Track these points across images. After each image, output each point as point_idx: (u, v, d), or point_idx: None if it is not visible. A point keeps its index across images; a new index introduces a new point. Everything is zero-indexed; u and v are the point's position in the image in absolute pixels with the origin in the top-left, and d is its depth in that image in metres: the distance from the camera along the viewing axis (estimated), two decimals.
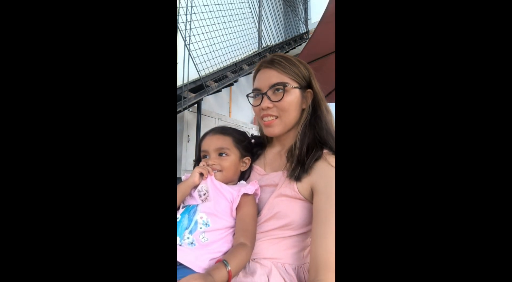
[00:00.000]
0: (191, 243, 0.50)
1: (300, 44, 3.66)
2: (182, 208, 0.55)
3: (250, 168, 0.64)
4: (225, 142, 0.59)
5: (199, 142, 0.63)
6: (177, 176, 2.34)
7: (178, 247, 0.49)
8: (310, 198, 0.53)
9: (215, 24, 2.36)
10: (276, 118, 0.59)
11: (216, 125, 0.67)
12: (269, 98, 0.58)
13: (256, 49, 2.98)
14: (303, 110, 0.60)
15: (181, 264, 0.48)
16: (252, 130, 2.65)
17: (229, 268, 0.46)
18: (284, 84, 0.58)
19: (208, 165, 0.57)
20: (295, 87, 0.59)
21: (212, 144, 0.59)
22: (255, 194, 0.56)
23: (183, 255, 0.48)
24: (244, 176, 0.63)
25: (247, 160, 0.61)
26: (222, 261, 0.46)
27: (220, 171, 0.58)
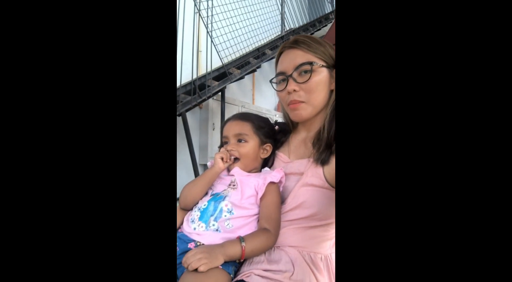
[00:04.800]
0: (216, 230, 0.51)
1: (326, 25, 3.46)
2: (210, 195, 0.56)
3: (274, 155, 0.62)
4: (244, 128, 0.58)
5: (221, 128, 0.63)
6: (205, 162, 2.41)
7: (204, 231, 0.51)
8: None
9: (236, 9, 2.31)
10: (303, 102, 0.56)
11: None
12: (295, 80, 0.55)
13: (279, 33, 2.88)
14: (331, 92, 0.57)
15: None
16: (276, 117, 2.61)
17: (244, 244, 0.47)
18: (311, 63, 0.54)
19: (226, 150, 0.57)
20: (322, 66, 0.55)
21: (231, 129, 0.59)
22: (279, 182, 0.56)
23: (208, 239, 0.50)
24: (267, 163, 0.62)
25: (268, 146, 0.60)
26: (239, 238, 0.47)
27: (238, 158, 0.57)
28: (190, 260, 0.43)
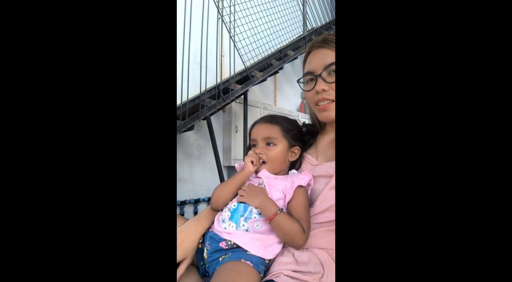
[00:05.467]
0: (246, 230, 0.53)
1: None
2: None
3: (301, 158, 0.62)
4: (273, 131, 0.58)
5: (249, 130, 0.64)
6: (229, 164, 2.46)
7: (234, 231, 0.52)
8: None
9: (258, 12, 2.33)
10: (333, 101, 0.55)
11: (262, 115, 0.67)
12: (324, 80, 0.55)
13: (301, 33, 2.86)
14: None
15: (238, 247, 0.51)
16: (298, 118, 2.59)
17: (278, 212, 0.50)
18: None
19: (255, 153, 0.58)
20: None
21: (260, 132, 0.59)
22: (308, 185, 0.55)
23: (239, 238, 0.51)
24: (295, 165, 0.62)
25: (296, 149, 0.60)
26: (279, 208, 0.51)
27: (265, 162, 0.58)
28: (242, 189, 0.55)
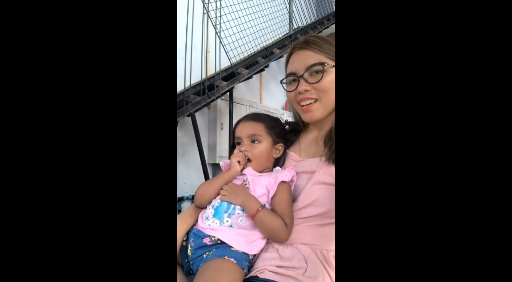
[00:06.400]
0: (230, 226, 0.53)
1: (334, 23, 3.42)
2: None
3: (285, 154, 0.63)
4: (257, 128, 0.59)
5: (233, 128, 0.64)
6: (214, 162, 2.44)
7: (218, 228, 0.52)
8: None
9: (244, 9, 2.32)
10: (315, 101, 0.56)
11: (248, 113, 0.67)
12: (306, 81, 0.56)
13: (287, 31, 2.87)
14: None
15: (222, 243, 0.51)
16: (284, 117, 2.61)
17: (260, 209, 0.51)
18: (322, 64, 0.55)
19: (241, 151, 0.58)
20: (334, 66, 0.56)
21: (244, 130, 0.60)
22: (291, 181, 0.56)
23: (223, 233, 0.51)
24: (279, 162, 0.63)
25: (280, 146, 0.61)
26: (261, 204, 0.52)
27: (250, 160, 0.58)
28: (223, 189, 0.55)
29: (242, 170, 0.60)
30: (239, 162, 0.57)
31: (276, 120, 0.64)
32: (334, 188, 0.52)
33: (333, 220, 0.54)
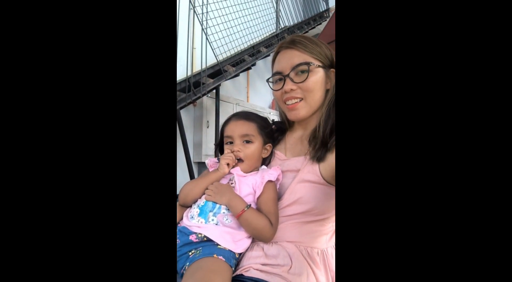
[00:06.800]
0: (216, 224, 0.52)
1: (320, 23, 3.47)
2: None
3: (271, 154, 0.63)
4: (250, 128, 0.58)
5: (222, 126, 0.62)
6: (199, 160, 2.41)
7: (204, 225, 0.52)
8: (333, 181, 0.52)
9: (231, 6, 2.30)
10: (300, 100, 0.57)
11: (235, 111, 0.65)
12: (292, 80, 0.56)
13: (274, 31, 2.88)
14: (326, 91, 0.58)
15: (208, 240, 0.50)
16: (270, 115, 2.63)
17: (246, 209, 0.50)
18: (308, 64, 0.56)
19: (232, 152, 0.57)
20: (319, 66, 0.57)
21: (237, 129, 0.58)
22: (276, 180, 0.57)
23: (209, 230, 0.51)
24: (265, 161, 0.63)
25: (268, 146, 0.61)
26: (247, 204, 0.51)
27: (242, 160, 0.57)
28: (209, 188, 0.55)
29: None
30: (228, 164, 0.56)
31: (265, 120, 0.63)
32: (317, 185, 0.53)
33: (317, 218, 0.55)
